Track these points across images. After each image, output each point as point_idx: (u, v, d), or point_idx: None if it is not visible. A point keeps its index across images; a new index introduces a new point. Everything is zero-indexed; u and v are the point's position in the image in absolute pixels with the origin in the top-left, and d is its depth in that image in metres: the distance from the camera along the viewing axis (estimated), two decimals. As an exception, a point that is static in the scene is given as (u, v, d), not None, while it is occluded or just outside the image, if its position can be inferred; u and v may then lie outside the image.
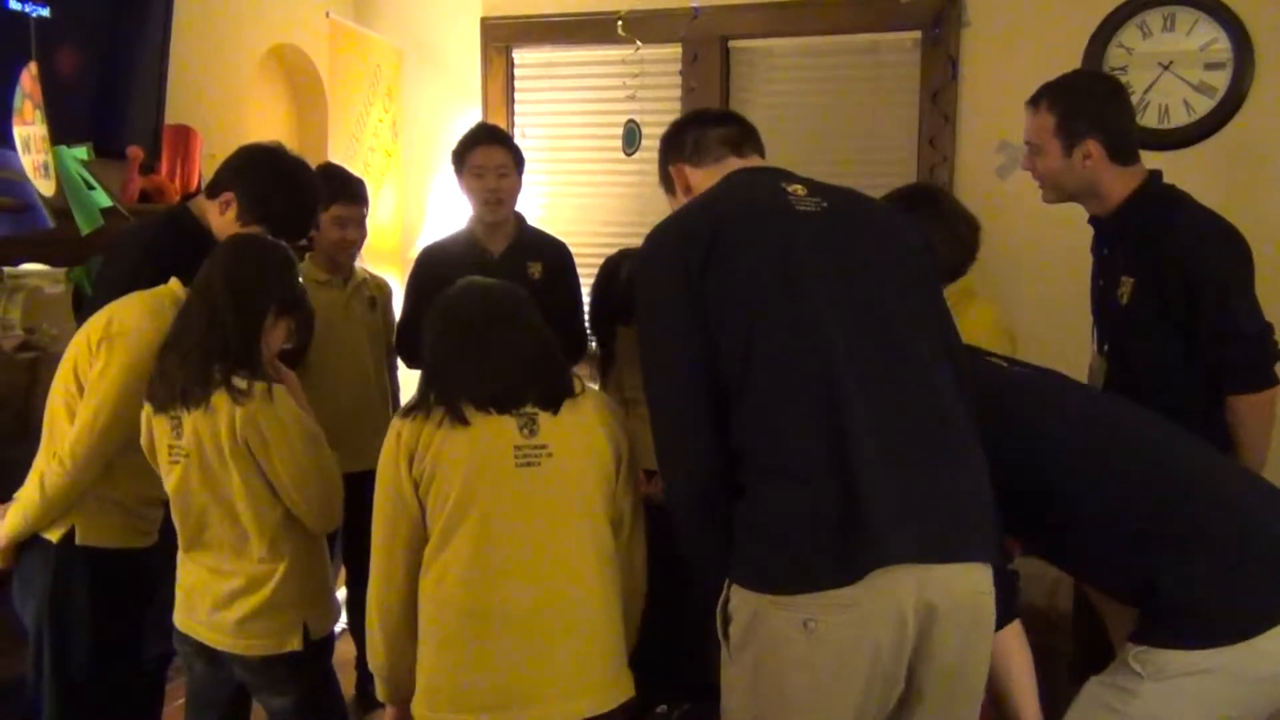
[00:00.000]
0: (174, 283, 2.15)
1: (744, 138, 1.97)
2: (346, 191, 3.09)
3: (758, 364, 1.64)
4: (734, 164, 1.91)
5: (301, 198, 2.39)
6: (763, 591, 1.61)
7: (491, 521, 1.80)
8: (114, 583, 2.17)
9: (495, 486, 1.80)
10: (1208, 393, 2.19)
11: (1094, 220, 2.35)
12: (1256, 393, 2.17)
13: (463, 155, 3.13)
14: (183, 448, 1.98)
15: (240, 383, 1.95)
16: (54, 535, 2.13)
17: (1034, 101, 2.32)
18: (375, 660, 1.92)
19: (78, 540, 2.13)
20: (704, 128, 1.97)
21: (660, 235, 1.80)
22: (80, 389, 2.10)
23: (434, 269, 3.10)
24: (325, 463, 2.06)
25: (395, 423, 1.87)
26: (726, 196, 1.82)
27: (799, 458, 1.62)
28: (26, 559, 2.16)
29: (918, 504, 1.62)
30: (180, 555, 2.10)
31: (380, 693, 1.95)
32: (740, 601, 1.65)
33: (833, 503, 1.58)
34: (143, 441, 2.04)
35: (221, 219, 2.32)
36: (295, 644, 2.04)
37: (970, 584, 1.65)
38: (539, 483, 1.82)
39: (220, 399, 1.94)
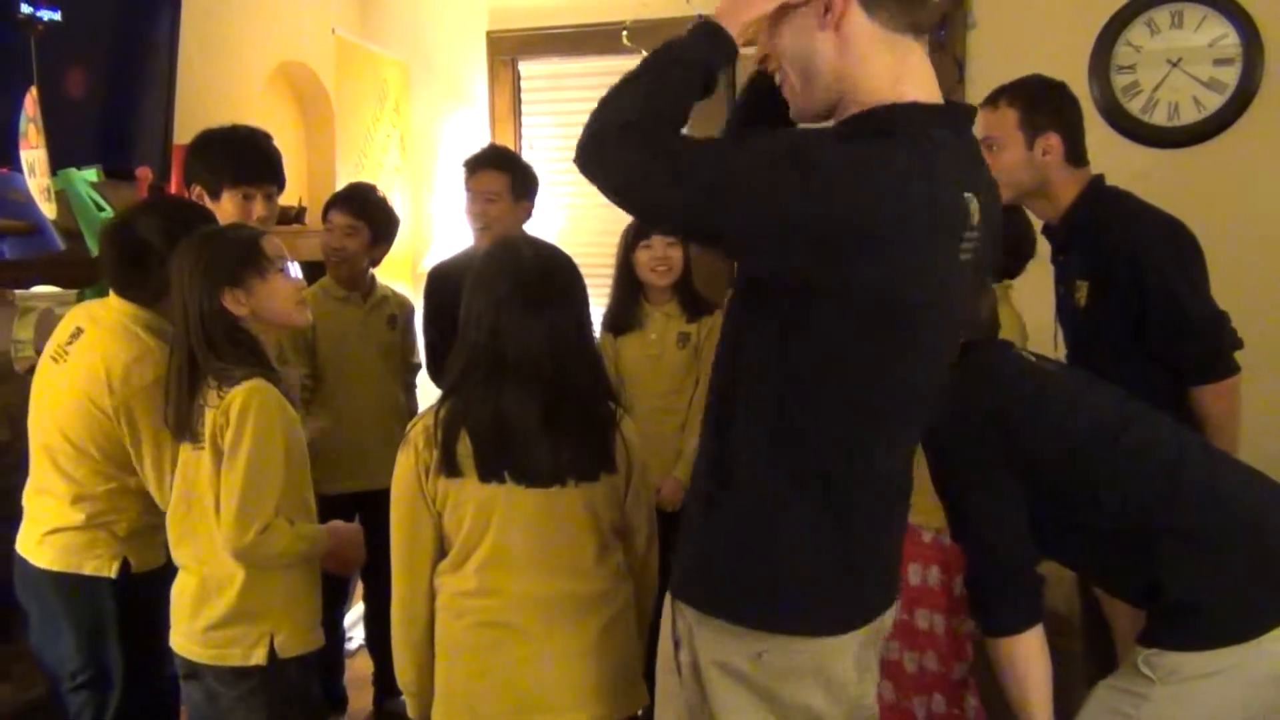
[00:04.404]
0: (113, 299, 2.17)
1: None
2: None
3: None
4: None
5: (232, 135, 2.53)
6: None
7: (506, 536, 1.80)
8: (153, 604, 2.18)
9: (509, 503, 1.80)
10: (1173, 387, 2.19)
11: (1045, 229, 2.38)
12: (1217, 382, 2.18)
13: (467, 176, 3.17)
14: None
15: (230, 371, 1.94)
16: (109, 570, 2.14)
17: (991, 101, 2.34)
18: (404, 678, 1.92)
19: (134, 569, 2.16)
20: None
21: None
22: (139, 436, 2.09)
23: (443, 288, 3.12)
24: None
25: (411, 435, 1.86)
26: None
27: None
28: (62, 595, 2.16)
29: None
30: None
31: (411, 709, 1.94)
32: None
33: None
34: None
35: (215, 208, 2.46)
36: (259, 658, 1.96)
37: None
38: (552, 500, 1.81)
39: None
